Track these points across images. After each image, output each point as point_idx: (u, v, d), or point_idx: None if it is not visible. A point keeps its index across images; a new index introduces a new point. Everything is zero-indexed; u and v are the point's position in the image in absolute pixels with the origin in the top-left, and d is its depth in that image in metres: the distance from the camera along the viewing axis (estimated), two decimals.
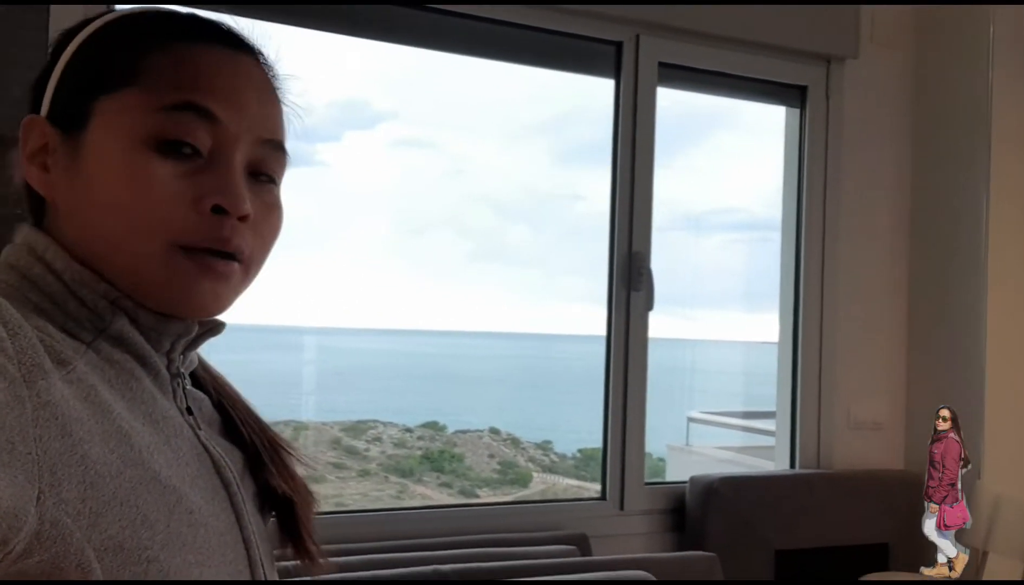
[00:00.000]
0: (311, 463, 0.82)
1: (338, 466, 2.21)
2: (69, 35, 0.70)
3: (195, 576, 0.60)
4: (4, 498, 0.48)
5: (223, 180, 0.65)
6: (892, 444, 2.68)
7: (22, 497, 0.50)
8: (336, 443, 2.16)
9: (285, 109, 0.73)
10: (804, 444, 2.61)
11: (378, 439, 2.93)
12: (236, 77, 0.68)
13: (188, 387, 0.71)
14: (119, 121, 0.64)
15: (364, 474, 2.69)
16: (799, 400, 2.61)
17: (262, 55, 0.72)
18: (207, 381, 0.77)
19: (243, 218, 0.66)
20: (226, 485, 0.68)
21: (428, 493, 2.57)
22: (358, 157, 2.32)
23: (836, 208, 2.62)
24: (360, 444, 2.83)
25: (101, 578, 0.54)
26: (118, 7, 0.72)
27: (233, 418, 0.76)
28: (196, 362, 0.75)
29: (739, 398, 3.54)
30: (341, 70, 2.24)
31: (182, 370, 0.71)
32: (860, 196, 2.65)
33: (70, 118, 0.66)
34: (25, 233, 0.67)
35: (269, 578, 0.70)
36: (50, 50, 0.70)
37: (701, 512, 2.30)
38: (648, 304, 2.36)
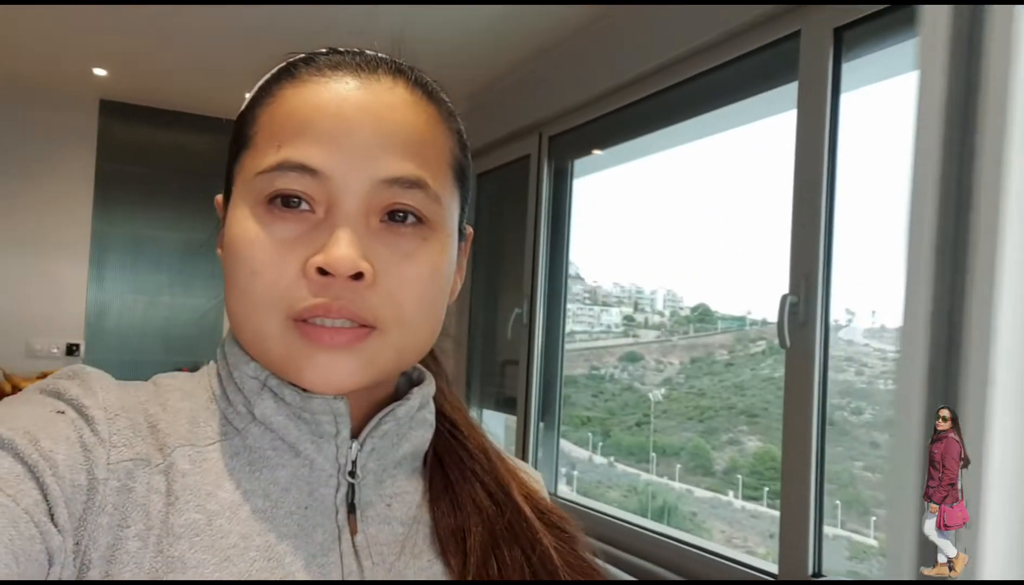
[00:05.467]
0: (585, 538, 0.69)
1: None
2: None
3: None
4: (61, 458, 0.52)
5: (326, 239, 0.57)
6: None
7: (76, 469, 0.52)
8: None
9: (442, 127, 0.63)
10: None
11: None
12: (339, 116, 0.58)
13: (369, 479, 0.63)
14: (240, 188, 0.60)
15: None
16: None
17: (401, 70, 0.62)
18: (429, 455, 0.67)
19: (357, 276, 0.56)
20: None
21: None
22: None
23: None
24: None
25: None
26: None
27: (468, 492, 0.66)
28: (411, 442, 0.65)
29: None
30: None
31: (351, 459, 0.62)
32: None
33: (226, 192, 0.64)
34: None
35: None
36: None
37: None
38: None
